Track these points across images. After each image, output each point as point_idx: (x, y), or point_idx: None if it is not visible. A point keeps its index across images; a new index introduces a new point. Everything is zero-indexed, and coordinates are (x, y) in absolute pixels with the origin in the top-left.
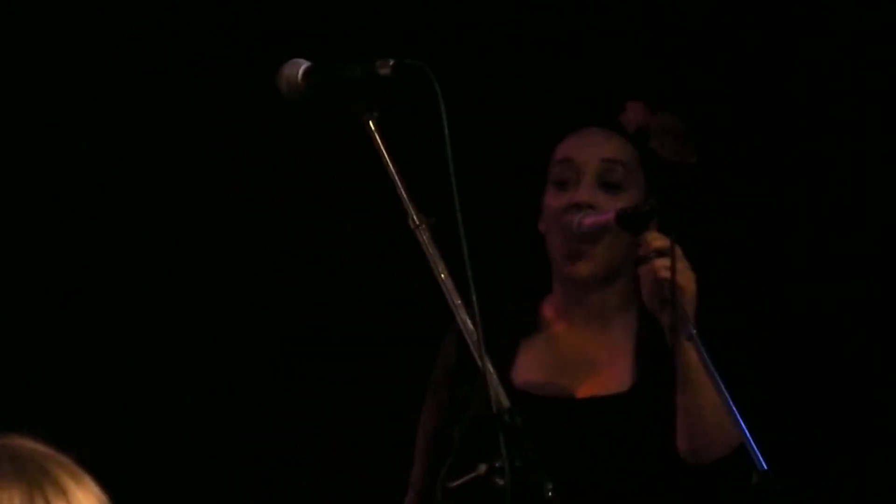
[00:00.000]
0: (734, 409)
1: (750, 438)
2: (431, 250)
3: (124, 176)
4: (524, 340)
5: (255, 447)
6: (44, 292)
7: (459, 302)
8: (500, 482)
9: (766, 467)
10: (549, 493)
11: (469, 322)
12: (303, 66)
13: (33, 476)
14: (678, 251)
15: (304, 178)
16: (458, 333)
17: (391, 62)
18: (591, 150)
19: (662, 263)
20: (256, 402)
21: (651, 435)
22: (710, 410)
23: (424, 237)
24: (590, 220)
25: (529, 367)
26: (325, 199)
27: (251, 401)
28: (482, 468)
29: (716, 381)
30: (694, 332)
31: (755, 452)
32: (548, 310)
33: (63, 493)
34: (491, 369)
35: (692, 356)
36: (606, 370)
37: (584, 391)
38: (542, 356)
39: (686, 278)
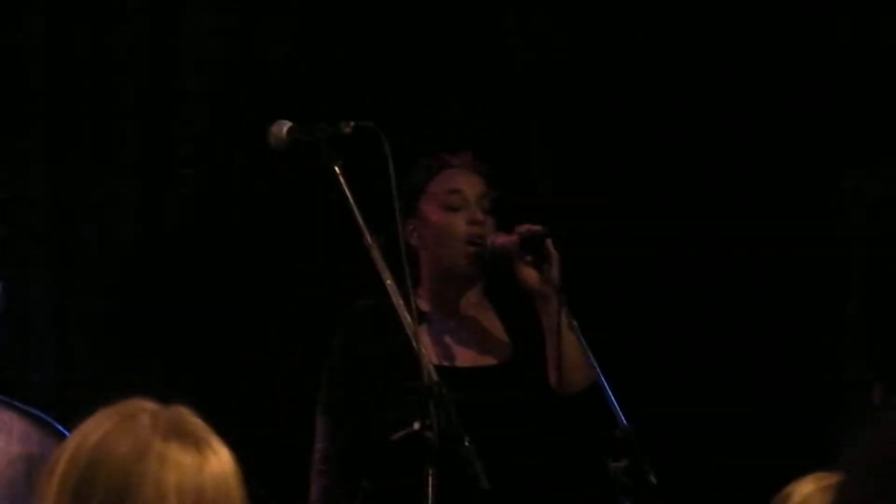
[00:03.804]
0: (593, 361)
1: (612, 397)
2: (379, 262)
3: None
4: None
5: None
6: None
7: (401, 302)
8: (430, 436)
9: (626, 423)
10: (466, 444)
11: (408, 317)
12: (286, 125)
13: (201, 442)
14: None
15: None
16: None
17: (352, 123)
18: (472, 183)
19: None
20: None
21: (540, 382)
22: (570, 356)
23: (374, 253)
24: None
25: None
26: None
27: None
28: (416, 425)
29: (579, 339)
30: (564, 299)
31: (616, 408)
32: (426, 304)
33: (217, 454)
34: (424, 352)
35: (560, 318)
36: (492, 342)
37: (484, 360)
38: (444, 337)
39: (552, 255)
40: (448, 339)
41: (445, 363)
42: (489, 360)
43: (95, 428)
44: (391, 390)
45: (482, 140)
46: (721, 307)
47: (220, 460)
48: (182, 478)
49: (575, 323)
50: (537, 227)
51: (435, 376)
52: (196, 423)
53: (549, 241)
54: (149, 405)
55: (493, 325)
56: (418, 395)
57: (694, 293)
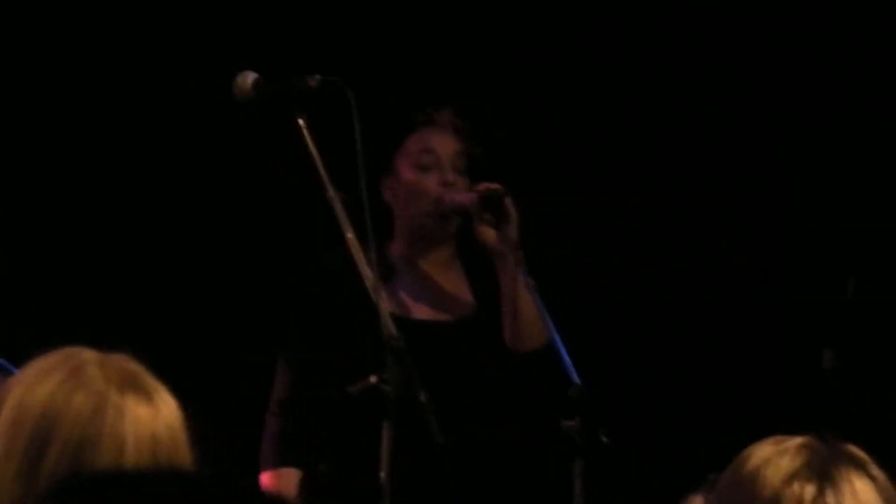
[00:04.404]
0: (548, 320)
1: (567, 356)
2: (342, 217)
3: None
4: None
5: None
6: None
7: (362, 255)
8: (386, 389)
9: (579, 382)
10: (422, 399)
11: (368, 270)
12: (251, 77)
13: (152, 392)
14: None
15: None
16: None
17: (318, 77)
18: (446, 143)
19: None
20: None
21: (495, 342)
22: (525, 314)
23: (337, 206)
24: (459, 198)
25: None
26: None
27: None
28: (373, 379)
29: (535, 298)
30: (521, 258)
31: (570, 368)
32: (395, 257)
33: (167, 402)
34: (382, 305)
35: (517, 277)
36: (453, 299)
37: (441, 315)
38: (405, 291)
39: (511, 214)
40: (407, 292)
41: (399, 313)
42: (445, 316)
43: (40, 379)
44: (350, 343)
45: (461, 95)
46: (675, 278)
47: (170, 408)
48: (139, 429)
49: (532, 282)
50: (496, 186)
51: (394, 330)
52: (142, 371)
53: (507, 200)
54: (90, 354)
55: (458, 283)
56: (376, 349)
57: (649, 262)
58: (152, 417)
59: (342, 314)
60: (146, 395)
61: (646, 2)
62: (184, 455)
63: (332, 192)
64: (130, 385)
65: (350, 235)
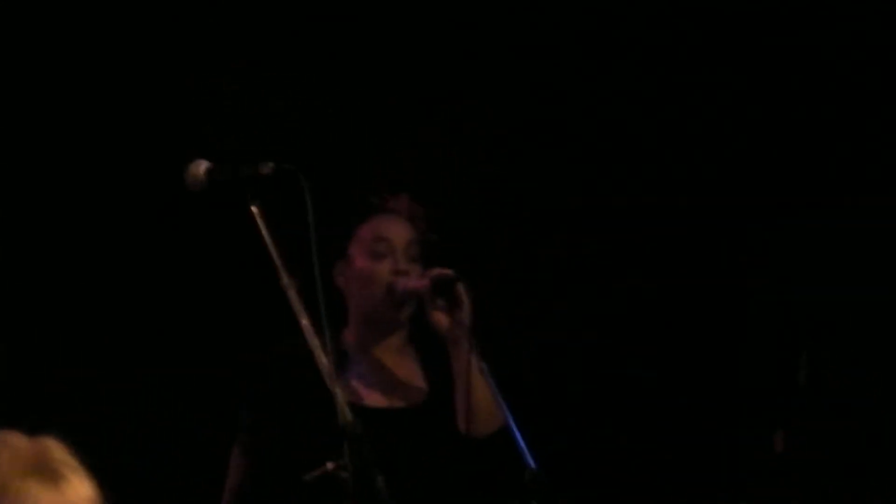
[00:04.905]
0: (502, 402)
1: (521, 441)
2: (296, 304)
3: None
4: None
5: None
6: None
7: (317, 342)
8: (344, 475)
9: (535, 466)
10: (381, 485)
11: (324, 357)
12: (204, 165)
13: (60, 477)
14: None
15: None
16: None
17: (271, 165)
18: (400, 231)
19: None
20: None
21: (448, 428)
22: (479, 400)
23: (291, 294)
24: (412, 284)
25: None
26: None
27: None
28: (330, 465)
29: (488, 382)
30: (475, 342)
31: (525, 453)
32: (349, 344)
33: (76, 487)
34: (338, 392)
35: (470, 362)
36: (405, 386)
37: (393, 402)
38: (358, 378)
39: (463, 299)
40: (360, 379)
41: (352, 401)
42: (397, 403)
43: None
44: (306, 430)
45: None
46: (627, 355)
47: (81, 492)
48: None
49: (485, 366)
50: (448, 271)
51: (350, 417)
52: (58, 457)
53: (459, 285)
54: (14, 440)
55: (410, 370)
56: (332, 436)
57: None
58: (56, 503)
59: (298, 401)
60: (53, 480)
61: (646, 2)
62: None
63: (286, 280)
64: (37, 470)
65: (305, 322)
